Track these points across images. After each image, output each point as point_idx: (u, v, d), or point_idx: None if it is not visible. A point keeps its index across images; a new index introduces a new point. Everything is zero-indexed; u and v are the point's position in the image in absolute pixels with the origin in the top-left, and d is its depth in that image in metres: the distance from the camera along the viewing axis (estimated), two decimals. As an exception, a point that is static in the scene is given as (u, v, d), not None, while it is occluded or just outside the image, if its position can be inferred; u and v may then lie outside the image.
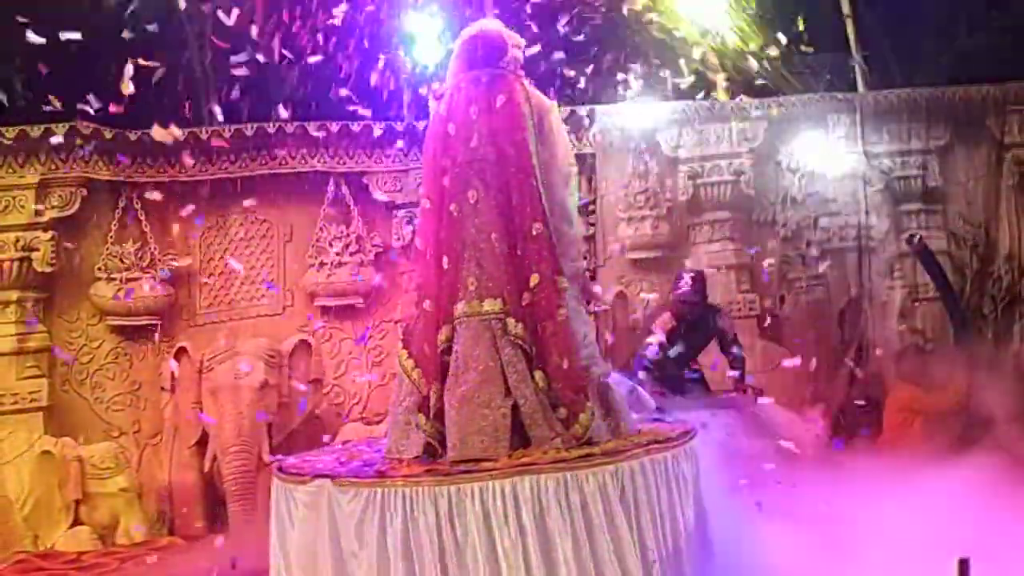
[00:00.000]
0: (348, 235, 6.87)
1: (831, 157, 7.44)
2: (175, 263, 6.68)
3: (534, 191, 3.85)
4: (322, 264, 6.83)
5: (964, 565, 3.01)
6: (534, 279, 3.79)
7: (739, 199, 7.37)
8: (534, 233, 3.82)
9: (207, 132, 6.64)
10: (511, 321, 3.78)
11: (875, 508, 4.71)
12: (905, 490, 4.84)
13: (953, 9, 8.09)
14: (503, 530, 3.42)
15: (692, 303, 6.13)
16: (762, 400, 6.11)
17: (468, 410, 3.74)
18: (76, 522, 6.22)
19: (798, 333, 7.40)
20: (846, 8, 7.73)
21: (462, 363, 3.81)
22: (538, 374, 3.77)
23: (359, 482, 3.60)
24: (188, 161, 6.46)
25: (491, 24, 4.28)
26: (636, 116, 7.25)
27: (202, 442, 6.43)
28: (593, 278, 6.98)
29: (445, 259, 3.92)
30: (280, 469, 3.97)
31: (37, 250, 6.36)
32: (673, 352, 6.11)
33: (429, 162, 4.11)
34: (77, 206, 6.50)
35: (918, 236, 7.07)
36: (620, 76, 7.45)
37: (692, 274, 6.24)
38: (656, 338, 6.04)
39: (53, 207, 6.44)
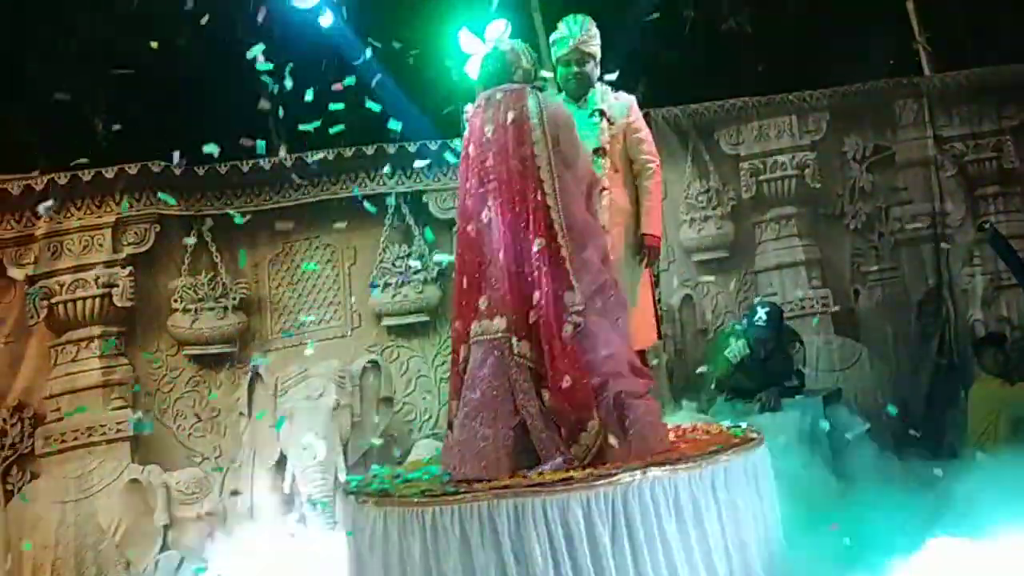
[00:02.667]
0: (410, 253, 6.96)
1: (899, 144, 7.23)
2: (244, 291, 6.86)
3: (539, 206, 3.80)
4: (386, 284, 6.93)
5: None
6: (536, 296, 3.74)
7: (804, 193, 7.21)
8: (536, 250, 3.77)
9: (270, 163, 6.82)
10: (515, 340, 3.74)
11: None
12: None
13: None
14: (480, 553, 3.36)
15: (766, 339, 6.04)
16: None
17: (469, 429, 3.73)
18: (164, 547, 6.45)
19: (875, 327, 7.20)
20: (907, -10, 7.52)
21: (468, 383, 3.81)
22: (545, 393, 3.70)
23: (367, 499, 3.70)
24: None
25: (506, 39, 4.24)
26: (692, 115, 7.17)
27: (280, 463, 6.58)
28: (657, 284, 6.91)
29: (464, 279, 3.95)
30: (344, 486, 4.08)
31: (116, 286, 6.59)
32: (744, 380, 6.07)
33: (460, 183, 4.14)
34: (152, 241, 6.73)
35: (989, 222, 6.81)
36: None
37: (767, 308, 6.14)
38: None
39: (129, 243, 6.69)
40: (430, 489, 3.67)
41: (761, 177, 7.22)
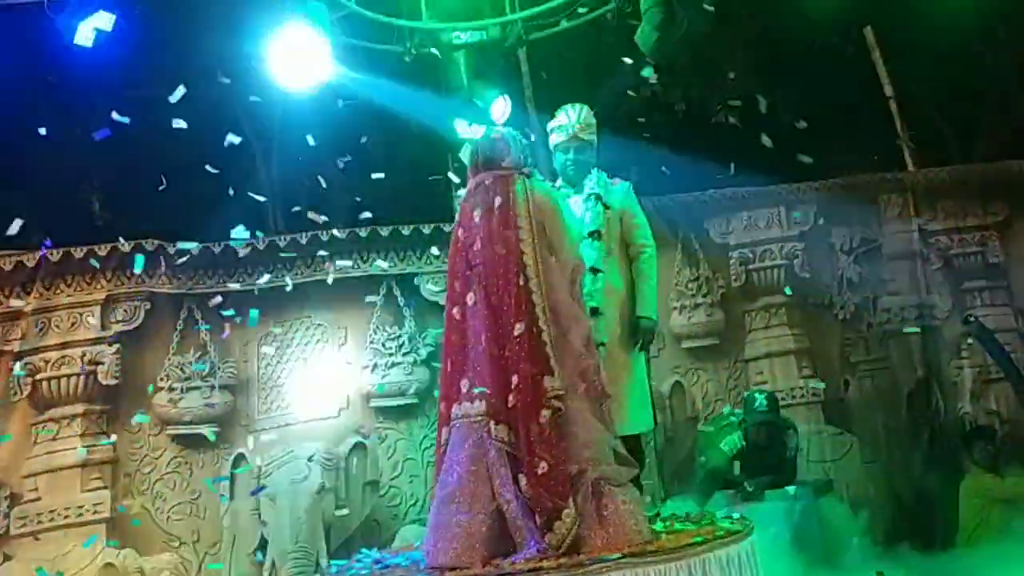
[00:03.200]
0: (401, 335, 6.96)
1: (885, 237, 7.34)
2: (232, 371, 6.81)
3: (520, 291, 3.82)
4: (376, 366, 6.90)
5: None
6: (515, 380, 3.73)
7: (793, 283, 7.27)
8: (516, 334, 3.77)
9: (264, 242, 6.87)
10: (493, 424, 3.72)
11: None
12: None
13: (1009, 83, 8.05)
14: None
15: (766, 425, 6.02)
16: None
17: (445, 514, 3.70)
18: (139, 633, 6.25)
19: (865, 418, 7.17)
20: (889, 90, 7.74)
21: (447, 466, 3.79)
22: (522, 478, 3.65)
23: None
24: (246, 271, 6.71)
25: (500, 125, 4.37)
26: (682, 204, 7.29)
27: (261, 548, 6.41)
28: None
29: (450, 361, 3.96)
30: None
31: (102, 363, 6.55)
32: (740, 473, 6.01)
33: (449, 267, 4.18)
34: (141, 319, 6.71)
35: (974, 316, 6.87)
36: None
37: (765, 395, 6.13)
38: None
39: (118, 321, 6.67)
40: None
41: (750, 266, 7.30)
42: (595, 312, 4.31)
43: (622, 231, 4.55)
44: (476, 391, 3.81)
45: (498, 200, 3.99)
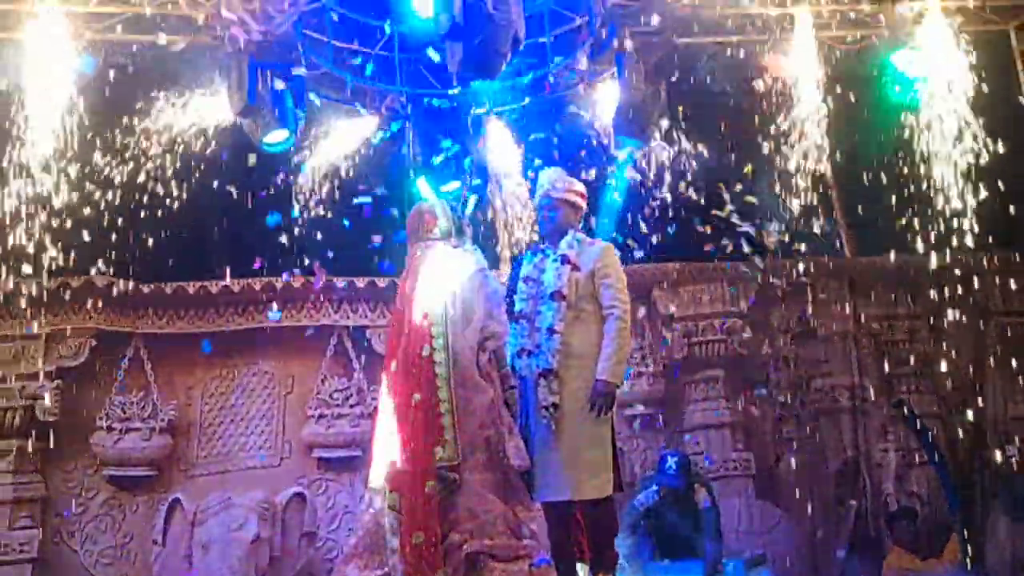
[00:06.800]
0: (349, 387, 6.98)
1: (821, 319, 7.63)
2: (173, 413, 6.74)
3: (423, 361, 3.97)
4: (322, 416, 6.91)
5: None
6: (410, 449, 3.88)
7: (732, 358, 7.51)
8: (413, 403, 3.94)
9: (217, 286, 6.85)
10: (388, 491, 3.88)
11: None
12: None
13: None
14: None
15: (676, 488, 6.18)
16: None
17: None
18: None
19: (794, 493, 7.39)
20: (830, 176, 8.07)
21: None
22: (406, 547, 3.78)
23: None
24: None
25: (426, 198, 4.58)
26: (631, 275, 7.46)
27: (191, 597, 6.31)
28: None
29: (375, 425, 4.23)
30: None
31: (42, 399, 6.44)
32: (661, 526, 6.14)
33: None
34: (86, 356, 6.65)
35: (904, 400, 7.18)
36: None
37: (676, 457, 6.29)
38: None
39: (62, 356, 6.59)
40: None
41: (693, 339, 7.52)
42: (548, 373, 4.26)
43: (594, 292, 4.48)
44: (383, 458, 3.98)
45: (411, 266, 4.23)
